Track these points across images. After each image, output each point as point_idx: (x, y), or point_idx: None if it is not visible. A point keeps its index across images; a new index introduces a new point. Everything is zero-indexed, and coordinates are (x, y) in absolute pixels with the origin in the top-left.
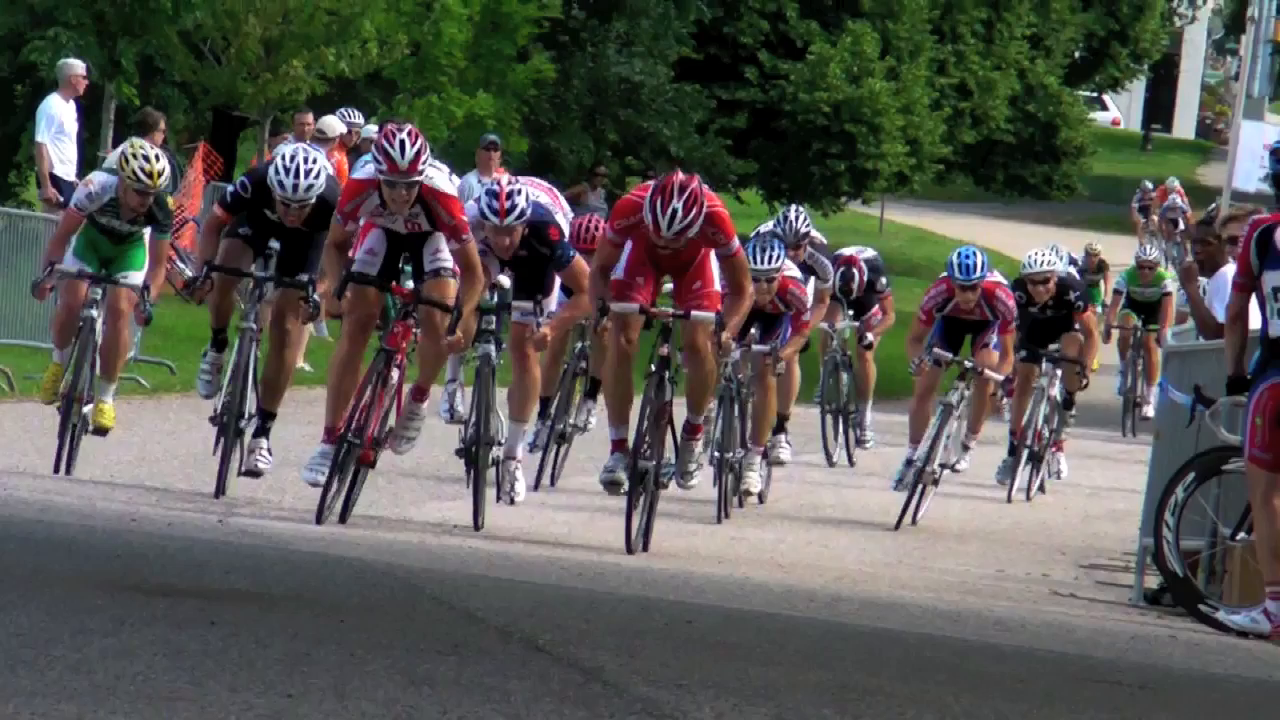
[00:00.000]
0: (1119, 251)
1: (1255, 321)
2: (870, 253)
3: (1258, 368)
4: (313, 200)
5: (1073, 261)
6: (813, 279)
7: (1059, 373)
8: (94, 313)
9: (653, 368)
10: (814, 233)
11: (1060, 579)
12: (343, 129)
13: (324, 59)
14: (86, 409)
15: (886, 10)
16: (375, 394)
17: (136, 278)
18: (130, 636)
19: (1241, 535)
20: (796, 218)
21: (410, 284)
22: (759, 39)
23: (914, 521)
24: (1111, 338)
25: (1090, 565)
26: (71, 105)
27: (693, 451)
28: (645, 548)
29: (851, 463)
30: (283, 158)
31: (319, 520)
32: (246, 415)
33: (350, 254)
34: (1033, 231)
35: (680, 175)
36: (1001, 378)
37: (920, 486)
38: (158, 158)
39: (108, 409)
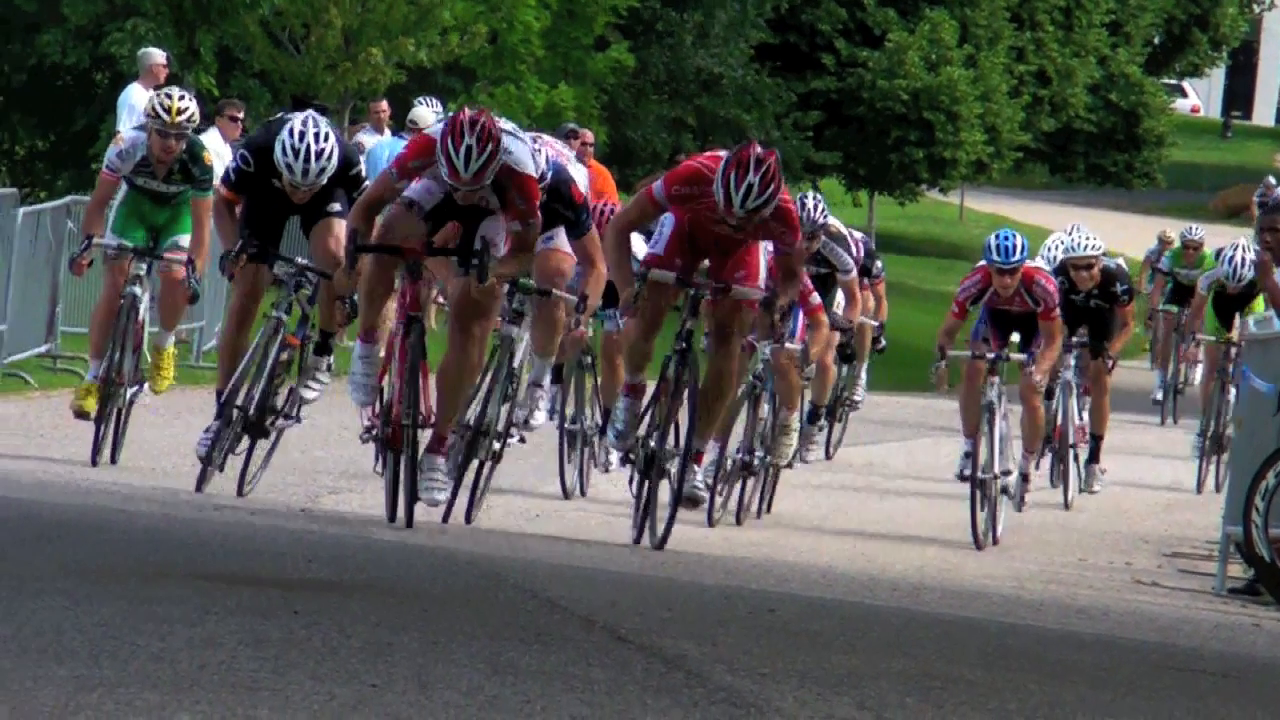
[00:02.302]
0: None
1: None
2: (859, 235)
3: None
4: (325, 182)
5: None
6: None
7: (1072, 361)
8: (137, 289)
9: (677, 346)
10: (833, 221)
11: (1143, 567)
12: (433, 119)
13: (403, 49)
14: (130, 391)
15: None
16: (417, 374)
17: (185, 240)
18: (213, 626)
19: None
20: (814, 207)
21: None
22: (837, 27)
23: (994, 540)
24: (1197, 352)
25: (1173, 554)
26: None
27: (696, 475)
28: (662, 544)
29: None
30: (290, 133)
31: (392, 519)
32: (277, 413)
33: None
34: (1112, 219)
35: (758, 147)
36: (1041, 377)
37: (987, 501)
38: (181, 97)
39: (167, 360)
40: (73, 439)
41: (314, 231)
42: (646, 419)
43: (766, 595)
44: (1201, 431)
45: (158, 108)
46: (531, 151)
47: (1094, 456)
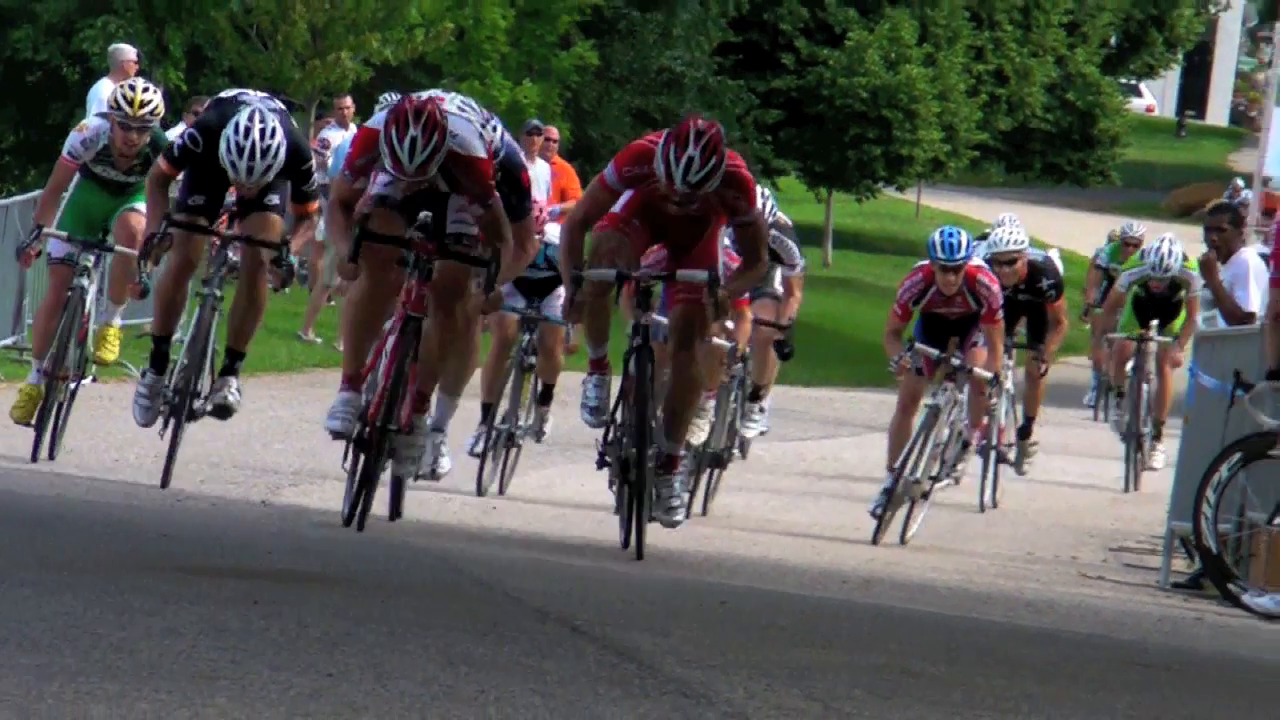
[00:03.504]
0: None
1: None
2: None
3: None
4: (271, 179)
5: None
6: (779, 268)
7: (1011, 363)
8: (85, 282)
9: (633, 342)
10: (781, 216)
11: (1089, 562)
12: None
13: (370, 44)
14: (72, 385)
15: None
16: (405, 374)
17: (141, 205)
18: (173, 616)
19: (1278, 520)
20: (764, 205)
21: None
22: (798, 26)
23: (902, 540)
24: (1104, 352)
25: (1118, 549)
26: None
27: (672, 488)
28: (640, 553)
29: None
30: (236, 129)
31: (348, 523)
32: (202, 395)
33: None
34: (1068, 217)
35: (699, 120)
36: (991, 375)
37: (909, 503)
38: (146, 89)
39: (113, 334)
40: (26, 432)
41: (247, 221)
42: (618, 415)
43: (718, 588)
44: (1124, 431)
45: (120, 99)
46: (479, 130)
47: (1025, 434)
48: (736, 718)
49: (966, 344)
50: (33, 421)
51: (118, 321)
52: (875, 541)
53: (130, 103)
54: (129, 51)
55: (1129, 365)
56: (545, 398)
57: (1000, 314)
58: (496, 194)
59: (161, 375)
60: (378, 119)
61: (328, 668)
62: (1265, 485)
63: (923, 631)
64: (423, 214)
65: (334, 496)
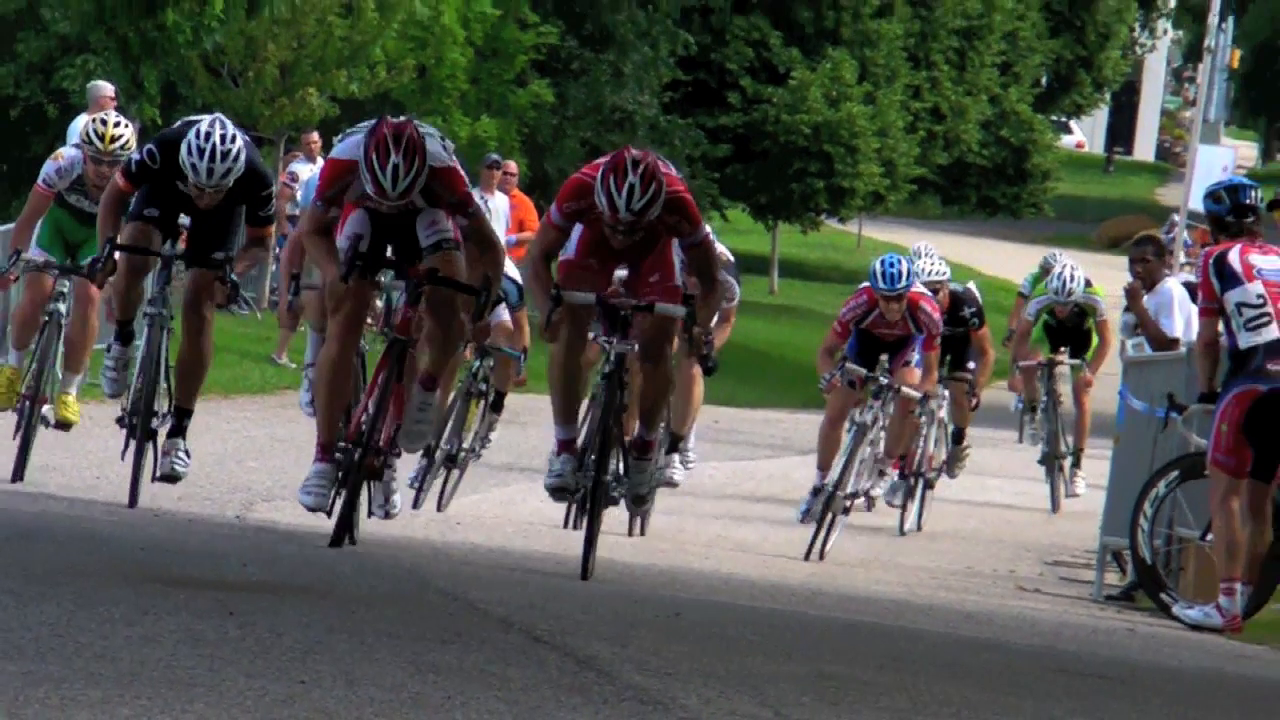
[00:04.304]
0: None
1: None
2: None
3: (1225, 378)
4: (230, 185)
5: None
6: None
7: (947, 394)
8: (61, 306)
9: (607, 367)
10: (722, 250)
11: (1026, 575)
12: None
13: (336, 80)
14: (46, 409)
15: (864, 39)
16: (387, 394)
17: None
18: (152, 625)
19: (1210, 536)
20: None
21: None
22: (744, 65)
23: (821, 556)
24: (1019, 381)
25: (1054, 562)
26: None
27: (646, 472)
28: (586, 573)
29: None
30: (196, 134)
31: (336, 543)
32: (160, 414)
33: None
34: (1002, 247)
35: (633, 150)
36: (919, 395)
37: (830, 516)
38: (117, 124)
39: (72, 402)
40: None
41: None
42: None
43: (673, 600)
44: (1043, 455)
45: (91, 134)
46: (441, 143)
47: (959, 440)
48: None
49: (898, 363)
50: (15, 405)
51: (74, 390)
52: (808, 557)
53: (101, 137)
54: (106, 88)
55: (1039, 386)
56: (497, 405)
57: (939, 340)
58: (476, 201)
59: (127, 347)
60: (343, 148)
61: (300, 675)
62: (1198, 502)
63: (868, 641)
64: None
65: (305, 513)
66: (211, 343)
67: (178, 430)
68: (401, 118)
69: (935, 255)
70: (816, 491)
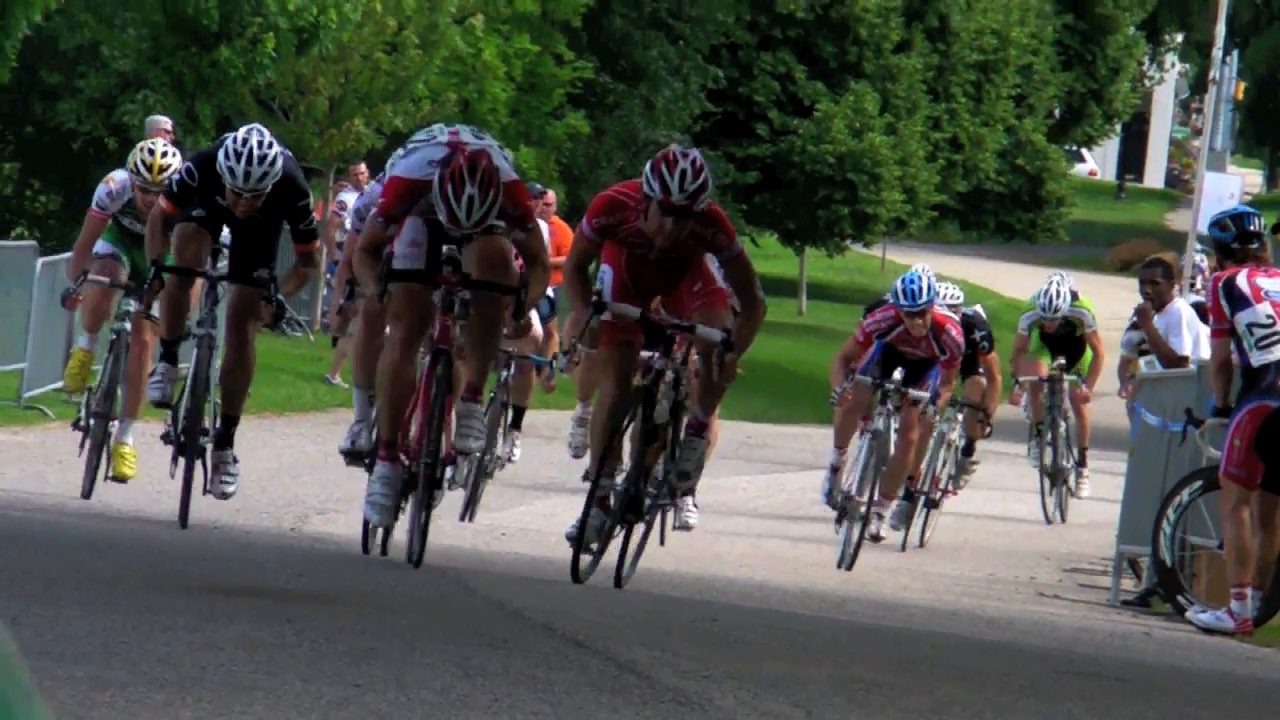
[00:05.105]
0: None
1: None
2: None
3: (1239, 395)
4: (268, 189)
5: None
6: None
7: (960, 417)
8: (126, 325)
9: (644, 382)
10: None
11: (1045, 581)
12: None
13: (381, 114)
14: (113, 426)
15: (886, 73)
16: (441, 405)
17: None
18: (213, 632)
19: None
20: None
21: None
22: (771, 98)
23: (849, 566)
24: (1021, 395)
25: (1072, 569)
26: None
27: (697, 449)
28: (619, 582)
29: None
30: (233, 139)
31: (383, 551)
32: (209, 432)
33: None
34: (1019, 270)
35: (677, 146)
36: (927, 395)
37: (861, 527)
38: (165, 154)
39: (129, 454)
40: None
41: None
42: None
43: (708, 606)
44: (1042, 468)
45: (140, 165)
46: (502, 154)
47: (968, 452)
48: None
49: (919, 383)
50: (82, 391)
51: (130, 439)
52: (843, 564)
53: (150, 168)
54: (164, 122)
55: (1044, 403)
56: (516, 422)
57: (958, 362)
58: (535, 218)
59: (174, 366)
60: (409, 166)
61: (354, 679)
62: (1219, 512)
63: (895, 645)
64: (446, 248)
65: (358, 524)
66: (254, 351)
67: (226, 439)
68: (464, 137)
69: (944, 283)
70: (835, 470)
